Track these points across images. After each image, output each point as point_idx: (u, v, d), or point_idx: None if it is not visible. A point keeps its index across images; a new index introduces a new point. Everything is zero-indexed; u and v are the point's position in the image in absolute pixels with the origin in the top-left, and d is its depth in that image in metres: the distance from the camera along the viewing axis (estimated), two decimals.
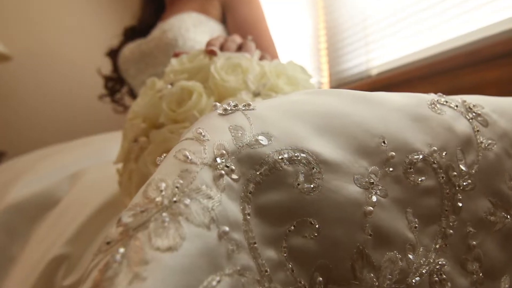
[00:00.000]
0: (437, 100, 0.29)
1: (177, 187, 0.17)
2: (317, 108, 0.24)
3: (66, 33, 2.24)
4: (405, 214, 0.24)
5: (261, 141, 0.21)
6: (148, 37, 1.02)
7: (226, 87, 0.44)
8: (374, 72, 1.04)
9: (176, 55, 0.54)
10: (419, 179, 0.25)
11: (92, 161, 0.70)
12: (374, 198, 0.22)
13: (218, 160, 0.19)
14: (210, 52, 0.49)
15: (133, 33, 1.15)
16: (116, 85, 1.15)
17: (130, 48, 1.05)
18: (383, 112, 0.26)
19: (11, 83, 2.15)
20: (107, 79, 1.14)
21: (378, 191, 0.23)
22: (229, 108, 0.23)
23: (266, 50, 0.97)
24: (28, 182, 0.65)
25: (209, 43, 0.51)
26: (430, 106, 0.28)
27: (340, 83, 1.15)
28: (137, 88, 1.09)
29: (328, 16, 1.22)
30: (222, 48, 0.52)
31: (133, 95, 1.18)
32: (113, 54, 1.13)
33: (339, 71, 1.17)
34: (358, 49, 1.10)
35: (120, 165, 0.52)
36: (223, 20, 1.03)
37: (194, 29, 0.96)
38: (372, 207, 0.22)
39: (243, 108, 0.23)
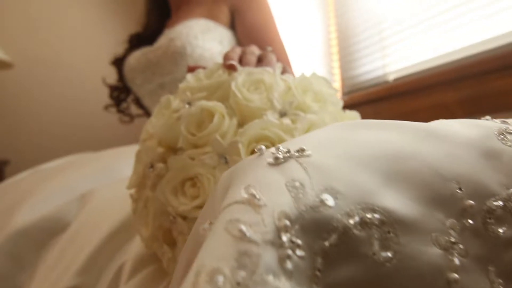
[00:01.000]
0: (505, 129, 0.25)
1: (238, 283, 0.13)
2: (379, 149, 0.21)
3: (69, 39, 2.21)
4: (487, 273, 0.20)
5: (326, 201, 0.17)
6: (154, 45, 0.98)
7: (250, 107, 0.40)
8: (391, 77, 0.99)
9: (191, 69, 0.50)
10: (500, 230, 0.21)
11: (101, 180, 0.66)
12: (456, 261, 0.18)
13: (283, 236, 0.15)
14: (229, 67, 0.45)
15: (138, 40, 1.11)
16: (122, 95, 1.11)
17: (136, 56, 1.01)
18: (451, 149, 0.22)
19: (13, 90, 2.12)
20: (112, 88, 1.10)
21: (459, 250, 0.19)
22: (281, 156, 0.19)
23: (278, 57, 0.94)
24: (34, 204, 0.61)
25: (226, 57, 0.47)
26: (499, 138, 0.24)
27: (354, 88, 1.11)
28: (144, 97, 1.05)
29: (340, 19, 1.18)
30: (240, 61, 0.49)
31: (139, 104, 1.14)
32: (118, 62, 1.09)
33: (353, 76, 1.12)
34: (373, 53, 1.05)
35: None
36: (232, 25, 0.99)
37: (202, 36, 0.92)
38: (456, 273, 0.18)
39: (297, 155, 0.19)
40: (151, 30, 1.11)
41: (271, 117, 0.40)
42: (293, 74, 0.52)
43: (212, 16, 0.98)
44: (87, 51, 2.22)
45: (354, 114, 0.46)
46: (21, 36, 2.09)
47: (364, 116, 0.44)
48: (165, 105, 0.46)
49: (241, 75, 0.43)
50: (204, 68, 0.49)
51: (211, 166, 0.38)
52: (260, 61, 0.50)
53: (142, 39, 1.11)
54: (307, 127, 0.40)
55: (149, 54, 0.96)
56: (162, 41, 0.94)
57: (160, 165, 0.41)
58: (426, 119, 0.89)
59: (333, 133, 0.23)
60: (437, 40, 0.89)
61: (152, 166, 0.42)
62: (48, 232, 0.58)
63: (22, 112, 2.10)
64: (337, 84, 1.19)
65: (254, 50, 0.52)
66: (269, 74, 0.44)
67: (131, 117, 1.13)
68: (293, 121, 0.40)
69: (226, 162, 0.37)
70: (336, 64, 1.19)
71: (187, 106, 0.42)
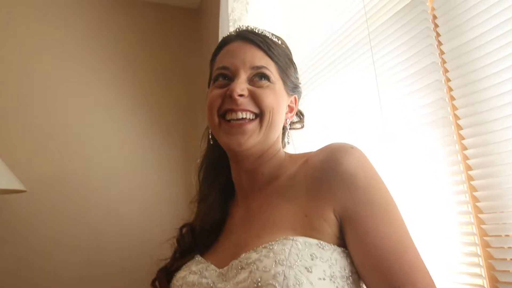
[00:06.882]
0: None
1: None
2: None
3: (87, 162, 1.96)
4: None
5: None
6: (225, 279, 0.64)
7: None
8: None
9: None
10: None
11: None
12: None
13: None
14: None
15: (192, 236, 0.78)
16: None
17: (192, 284, 0.67)
18: None
19: (26, 213, 1.85)
20: None
21: None
22: None
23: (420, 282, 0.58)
24: None
25: None
26: None
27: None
28: None
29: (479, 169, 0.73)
30: None
31: None
32: (162, 277, 0.74)
33: None
34: None
35: None
36: (341, 239, 0.64)
37: (307, 276, 0.57)
38: None
39: None
40: (209, 223, 0.78)
41: None
42: None
43: (310, 227, 0.64)
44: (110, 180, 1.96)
45: None
46: (33, 160, 1.86)
47: None
48: None
49: None
50: None
51: None
52: None
53: (197, 234, 0.78)
54: None
55: None
56: (240, 279, 0.60)
57: None
58: None
59: None
60: None
61: None
62: None
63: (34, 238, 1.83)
64: (482, 271, 0.74)
65: None
66: None
67: None
68: None
69: None
70: (477, 234, 0.74)
71: None
